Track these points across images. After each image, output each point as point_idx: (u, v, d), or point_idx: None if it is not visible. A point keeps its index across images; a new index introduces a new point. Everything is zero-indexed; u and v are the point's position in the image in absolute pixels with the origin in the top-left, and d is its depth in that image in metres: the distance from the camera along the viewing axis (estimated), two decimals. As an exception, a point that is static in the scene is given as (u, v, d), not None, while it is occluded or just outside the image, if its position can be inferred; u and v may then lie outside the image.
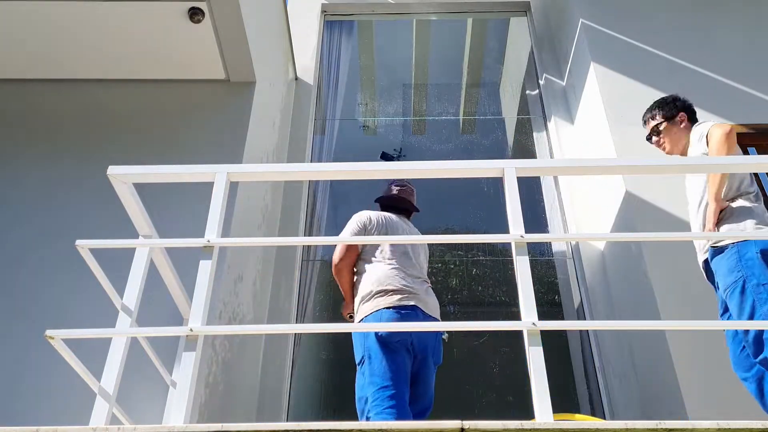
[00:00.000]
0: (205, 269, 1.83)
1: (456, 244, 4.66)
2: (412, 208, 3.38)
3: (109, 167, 1.93)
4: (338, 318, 4.47)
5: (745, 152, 3.87)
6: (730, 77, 4.20)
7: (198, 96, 3.73)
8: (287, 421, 3.55)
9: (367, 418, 2.60)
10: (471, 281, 4.56)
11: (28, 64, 3.67)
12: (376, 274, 2.96)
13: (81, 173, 3.32)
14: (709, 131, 2.71)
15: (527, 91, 5.53)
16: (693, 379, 2.98)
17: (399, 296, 2.85)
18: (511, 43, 6.17)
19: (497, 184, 2.05)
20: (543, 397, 1.57)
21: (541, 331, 1.67)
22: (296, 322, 4.02)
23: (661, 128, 2.96)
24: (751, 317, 2.38)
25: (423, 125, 5.63)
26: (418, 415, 2.79)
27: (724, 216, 2.64)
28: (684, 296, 3.22)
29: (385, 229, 3.15)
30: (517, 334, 1.82)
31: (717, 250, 2.62)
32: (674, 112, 2.95)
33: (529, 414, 1.65)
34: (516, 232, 1.84)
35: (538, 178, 4.70)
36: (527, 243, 1.83)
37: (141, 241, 2.05)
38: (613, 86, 4.23)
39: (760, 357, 2.38)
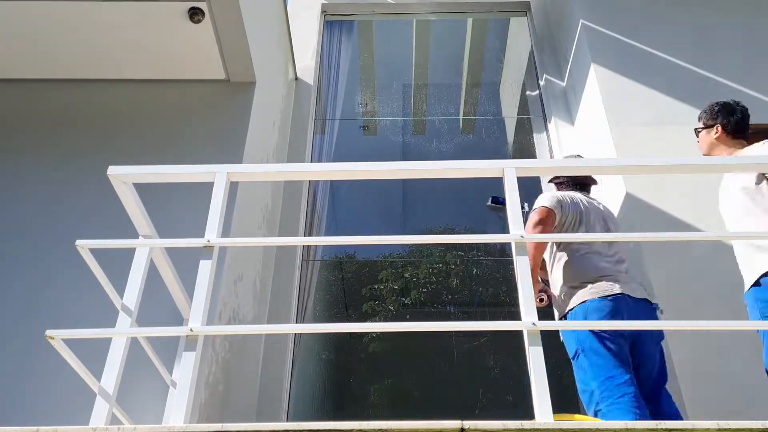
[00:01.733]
0: (205, 269, 1.83)
1: (456, 244, 4.66)
2: (591, 182, 3.25)
3: (109, 167, 1.93)
4: (337, 318, 4.48)
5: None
6: (729, 77, 4.20)
7: (198, 96, 3.72)
8: (287, 421, 3.55)
9: (596, 412, 2.50)
10: (471, 281, 4.56)
11: (28, 64, 3.67)
12: (577, 263, 2.85)
13: (81, 173, 3.32)
14: None
15: (527, 92, 5.53)
16: (693, 379, 2.98)
17: (604, 285, 2.73)
18: (511, 43, 6.17)
19: (497, 184, 2.05)
20: (543, 397, 1.57)
21: (541, 331, 1.67)
22: (296, 322, 4.02)
23: (699, 133, 2.97)
24: None
25: (423, 125, 5.63)
26: (653, 392, 2.67)
27: None
28: (684, 296, 3.22)
29: (578, 207, 2.97)
30: (517, 334, 1.82)
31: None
32: (711, 122, 2.91)
33: (529, 414, 1.65)
34: (516, 232, 1.84)
35: (538, 178, 4.70)
36: (527, 243, 1.83)
37: (141, 241, 2.05)
38: (613, 86, 4.23)
39: None
